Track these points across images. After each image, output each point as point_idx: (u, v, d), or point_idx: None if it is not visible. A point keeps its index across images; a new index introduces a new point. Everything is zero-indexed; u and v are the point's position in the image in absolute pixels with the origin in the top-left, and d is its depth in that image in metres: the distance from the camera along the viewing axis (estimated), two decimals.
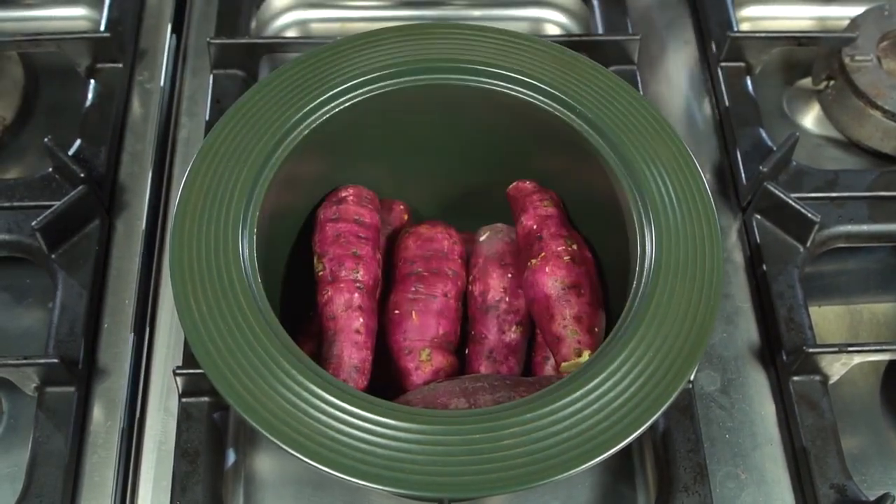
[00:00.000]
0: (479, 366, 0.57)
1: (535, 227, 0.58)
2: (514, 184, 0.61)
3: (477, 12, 0.84)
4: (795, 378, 0.61)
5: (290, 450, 0.45)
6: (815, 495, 0.57)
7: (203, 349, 0.47)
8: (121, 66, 0.74)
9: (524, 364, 0.59)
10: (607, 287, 0.58)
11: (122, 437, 0.59)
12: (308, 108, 0.55)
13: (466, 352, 0.58)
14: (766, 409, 0.62)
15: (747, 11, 0.84)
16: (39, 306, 0.67)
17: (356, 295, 0.55)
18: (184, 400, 0.59)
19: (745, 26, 0.83)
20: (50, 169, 0.67)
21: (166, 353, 0.63)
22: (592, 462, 0.45)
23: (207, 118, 0.71)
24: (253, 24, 0.80)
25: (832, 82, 0.77)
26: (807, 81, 0.80)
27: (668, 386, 0.47)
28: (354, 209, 0.58)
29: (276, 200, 0.54)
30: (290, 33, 0.84)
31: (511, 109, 0.57)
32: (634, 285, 0.51)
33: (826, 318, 0.69)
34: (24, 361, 0.58)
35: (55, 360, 0.57)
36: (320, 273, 0.56)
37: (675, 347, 0.48)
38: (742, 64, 0.76)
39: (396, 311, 0.57)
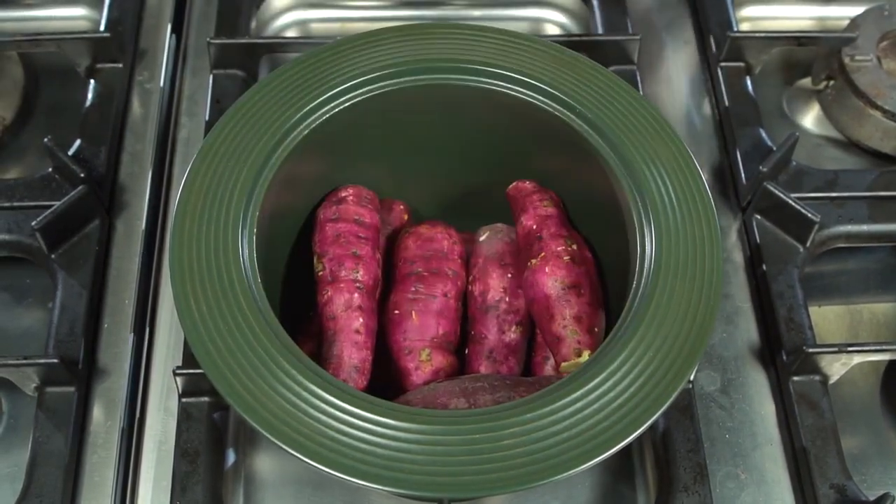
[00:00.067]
0: (479, 366, 0.57)
1: (534, 227, 0.58)
2: (514, 184, 0.61)
3: (477, 12, 0.84)
4: (795, 378, 0.61)
5: (290, 450, 0.45)
6: (815, 495, 0.57)
7: (203, 349, 0.47)
8: (121, 66, 0.74)
9: (524, 364, 0.59)
10: (607, 287, 0.58)
11: (122, 437, 0.59)
12: (308, 108, 0.55)
13: (466, 352, 0.58)
14: (766, 409, 0.62)
15: (747, 11, 0.84)
16: (39, 306, 0.67)
17: (356, 295, 0.55)
18: (184, 400, 0.59)
19: (745, 26, 0.83)
20: (50, 169, 0.67)
21: (166, 353, 0.63)
22: (592, 462, 0.45)
23: (207, 118, 0.71)
24: (253, 24, 0.80)
25: (832, 82, 0.77)
26: (807, 81, 0.80)
27: (668, 386, 0.47)
28: (354, 209, 0.58)
29: (276, 200, 0.54)
30: (290, 33, 0.84)
31: (511, 109, 0.57)
32: (634, 285, 0.51)
33: (826, 318, 0.69)
34: (24, 361, 0.58)
35: (55, 360, 0.57)
36: (320, 273, 0.56)
37: (675, 347, 0.48)
38: (742, 64, 0.76)
39: (396, 311, 0.57)
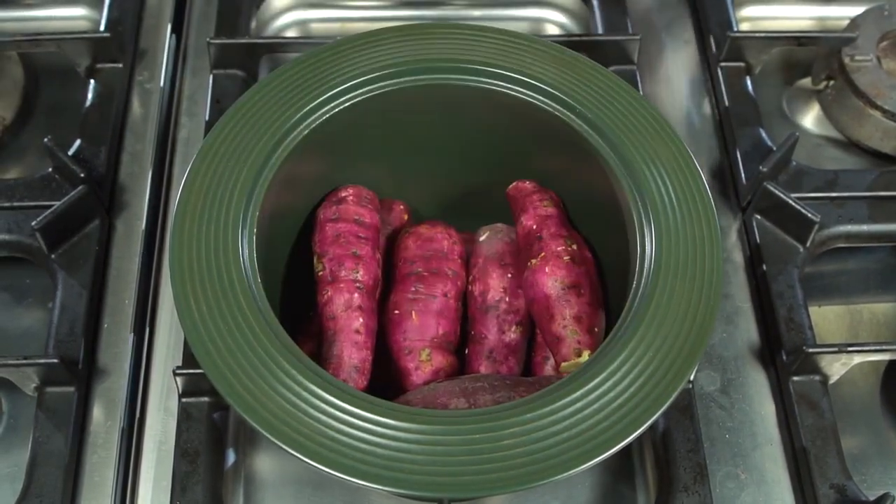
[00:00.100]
0: (479, 366, 0.57)
1: (534, 227, 0.58)
2: (514, 184, 0.61)
3: (477, 12, 0.84)
4: (795, 378, 0.61)
5: (290, 450, 0.45)
6: (815, 495, 0.57)
7: (203, 349, 0.47)
8: (121, 66, 0.74)
9: (524, 364, 0.59)
10: (607, 287, 0.58)
11: (122, 437, 0.59)
12: (308, 108, 0.55)
13: (466, 352, 0.58)
14: (766, 409, 0.62)
15: (747, 11, 0.84)
16: (39, 306, 0.67)
17: (356, 295, 0.55)
18: (184, 400, 0.59)
19: (745, 26, 0.83)
20: (50, 169, 0.67)
21: (166, 353, 0.63)
22: (592, 462, 0.45)
23: (207, 118, 0.71)
24: (253, 24, 0.80)
25: (832, 82, 0.77)
26: (807, 81, 0.80)
27: (668, 386, 0.47)
28: (354, 209, 0.58)
29: (276, 200, 0.54)
30: (290, 33, 0.84)
31: (511, 109, 0.57)
32: (634, 285, 0.51)
33: (826, 318, 0.69)
34: (24, 361, 0.58)
35: (55, 360, 0.57)
36: (320, 273, 0.56)
37: (675, 347, 0.48)
38: (742, 64, 0.76)
39: (396, 311, 0.57)
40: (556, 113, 0.56)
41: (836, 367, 0.61)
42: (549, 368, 0.58)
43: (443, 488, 0.44)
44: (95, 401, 0.60)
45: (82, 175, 0.65)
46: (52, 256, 0.64)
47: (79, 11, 0.82)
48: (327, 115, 0.56)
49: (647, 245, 0.52)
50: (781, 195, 0.66)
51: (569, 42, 0.75)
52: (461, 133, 0.61)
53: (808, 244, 0.66)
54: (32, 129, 0.75)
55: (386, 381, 0.55)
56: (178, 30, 0.78)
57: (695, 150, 0.56)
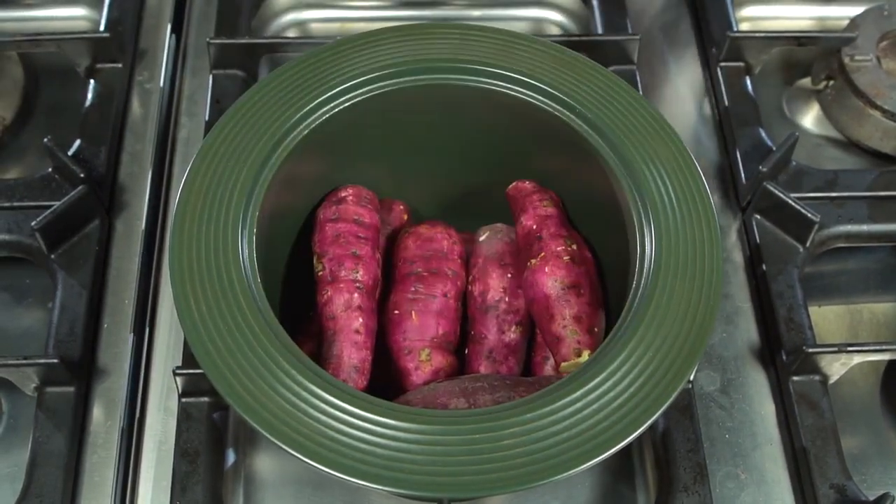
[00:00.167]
0: (479, 366, 0.57)
1: (534, 227, 0.58)
2: (514, 184, 0.61)
3: (477, 12, 0.84)
4: (795, 378, 0.61)
5: (290, 450, 0.45)
6: (814, 495, 0.57)
7: (203, 349, 0.47)
8: (120, 66, 0.74)
9: (524, 364, 0.59)
10: (607, 287, 0.58)
11: (122, 437, 0.59)
12: (308, 108, 0.55)
13: (466, 352, 0.58)
14: (765, 409, 0.62)
15: (747, 11, 0.84)
16: (39, 306, 0.67)
17: (356, 295, 0.55)
18: (184, 400, 0.59)
19: (744, 26, 0.83)
20: (50, 169, 0.67)
21: (166, 353, 0.63)
22: (592, 462, 0.45)
23: (207, 118, 0.71)
24: (253, 24, 0.80)
25: (832, 82, 0.77)
26: (806, 81, 0.80)
27: (667, 386, 0.47)
28: (354, 209, 0.58)
29: (276, 200, 0.54)
30: (290, 33, 0.84)
31: (511, 109, 0.57)
32: (634, 285, 0.51)
33: (826, 318, 0.69)
34: (24, 361, 0.58)
35: (55, 360, 0.57)
36: (320, 273, 0.56)
37: (674, 347, 0.48)
38: (742, 64, 0.76)
39: (396, 311, 0.57)
40: (556, 113, 0.56)
41: (836, 367, 0.61)
42: (549, 368, 0.58)
43: (443, 488, 0.44)
44: (95, 401, 0.60)
45: (82, 175, 0.65)
46: (52, 256, 0.64)
47: (79, 11, 0.82)
48: (327, 115, 0.56)
49: (647, 245, 0.52)
50: (781, 195, 0.66)
51: (569, 42, 0.75)
52: (461, 133, 0.61)
53: (807, 244, 0.66)
54: (32, 129, 0.75)
55: (386, 381, 0.55)
56: (177, 30, 0.78)
57: (695, 150, 0.56)
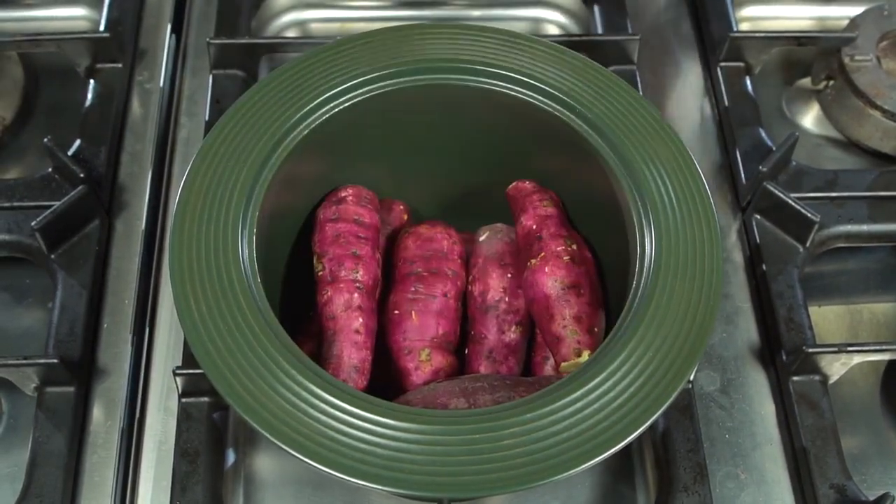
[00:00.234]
0: (479, 366, 0.57)
1: (534, 227, 0.58)
2: (514, 184, 0.61)
3: (477, 12, 0.84)
4: (795, 378, 0.61)
5: (290, 450, 0.45)
6: (814, 495, 0.57)
7: (203, 349, 0.47)
8: (120, 66, 0.74)
9: (524, 364, 0.59)
10: (607, 287, 0.58)
11: (122, 437, 0.59)
12: (308, 108, 0.55)
13: (466, 352, 0.58)
14: (765, 409, 0.62)
15: (747, 11, 0.84)
16: (39, 306, 0.67)
17: (356, 295, 0.55)
18: (184, 400, 0.59)
19: (744, 26, 0.83)
20: (50, 169, 0.67)
21: (166, 353, 0.63)
22: (592, 462, 0.45)
23: (207, 118, 0.71)
24: (253, 24, 0.80)
25: (832, 82, 0.77)
26: (806, 81, 0.80)
27: (667, 386, 0.47)
28: (354, 209, 0.58)
29: (276, 200, 0.54)
30: (290, 33, 0.84)
31: (511, 109, 0.57)
32: (634, 285, 0.51)
33: (826, 318, 0.69)
34: (24, 361, 0.58)
35: (55, 360, 0.57)
36: (320, 273, 0.56)
37: (674, 347, 0.48)
38: (742, 64, 0.76)
39: (396, 311, 0.57)
40: (556, 113, 0.56)
41: (836, 367, 0.61)
42: (549, 368, 0.58)
43: (443, 488, 0.44)
44: (95, 401, 0.60)
45: (82, 175, 0.65)
46: (52, 256, 0.64)
47: (79, 11, 0.82)
48: (327, 115, 0.56)
49: (647, 245, 0.52)
50: (781, 195, 0.66)
51: (569, 42, 0.75)
52: (461, 133, 0.61)
53: (807, 244, 0.66)
54: (32, 129, 0.75)
55: (386, 381, 0.55)
56: (178, 30, 0.78)
57: (695, 150, 0.56)
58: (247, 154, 0.53)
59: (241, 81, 0.73)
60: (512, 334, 0.58)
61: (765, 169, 0.67)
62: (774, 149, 0.69)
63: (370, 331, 0.55)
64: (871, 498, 0.57)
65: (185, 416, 0.58)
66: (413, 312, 0.56)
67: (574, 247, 0.57)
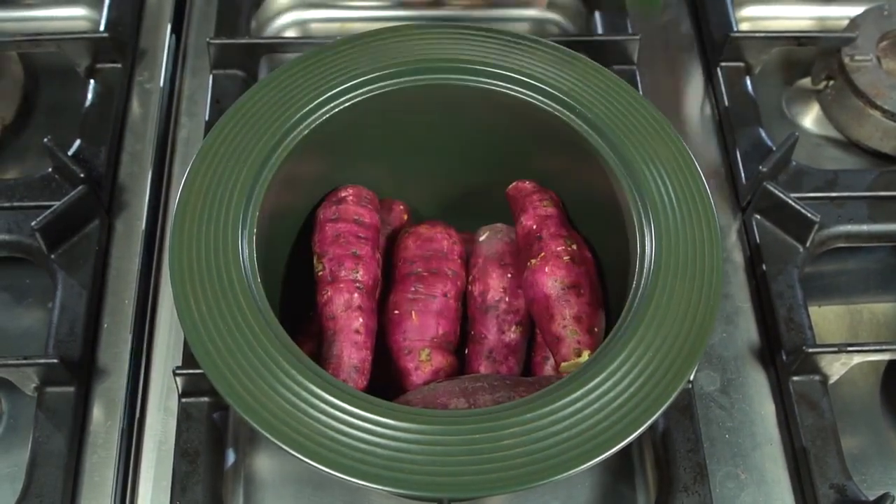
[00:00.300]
0: (479, 366, 0.57)
1: (534, 227, 0.58)
2: (514, 184, 0.61)
3: (477, 12, 0.83)
4: (795, 378, 0.61)
5: (290, 450, 0.45)
6: (814, 495, 0.57)
7: (203, 349, 0.47)
8: (120, 66, 0.74)
9: (524, 364, 0.59)
10: (607, 287, 0.58)
11: (122, 437, 0.59)
12: (308, 108, 0.55)
13: (466, 352, 0.58)
14: (765, 409, 0.62)
15: (747, 11, 0.84)
16: (39, 306, 0.67)
17: (356, 295, 0.55)
18: (184, 400, 0.59)
19: (744, 26, 0.83)
20: (50, 169, 0.67)
21: (166, 353, 0.63)
22: (592, 462, 0.45)
23: (207, 118, 0.71)
24: (253, 24, 0.80)
25: (832, 82, 0.77)
26: (806, 81, 0.80)
27: (667, 386, 0.47)
28: (354, 209, 0.58)
29: (276, 200, 0.54)
30: (290, 33, 0.84)
31: (511, 109, 0.57)
32: (634, 285, 0.51)
33: (826, 318, 0.69)
34: (24, 361, 0.58)
35: (55, 360, 0.57)
36: (320, 273, 0.56)
37: (674, 347, 0.48)
38: (742, 64, 0.76)
39: (396, 311, 0.57)
40: (556, 113, 0.56)
41: (836, 367, 0.61)
42: (549, 368, 0.58)
43: (443, 488, 0.44)
44: (95, 401, 0.60)
45: (82, 175, 0.65)
46: (52, 256, 0.64)
47: (79, 11, 0.82)
48: (327, 115, 0.56)
49: (647, 245, 0.52)
50: (781, 195, 0.66)
51: (569, 42, 0.75)
52: (461, 133, 0.61)
53: (808, 244, 0.66)
54: (32, 129, 0.75)
55: (386, 381, 0.55)
56: (177, 30, 0.78)
57: (695, 150, 0.55)
58: (247, 154, 0.53)
59: (241, 81, 0.73)
60: (512, 334, 0.58)
61: (765, 169, 0.67)
62: (774, 149, 0.69)
63: (370, 331, 0.55)
64: (871, 498, 0.57)
65: (185, 416, 0.58)
66: (413, 312, 0.56)
67: (574, 247, 0.57)
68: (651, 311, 0.49)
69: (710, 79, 0.77)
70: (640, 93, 0.72)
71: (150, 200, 0.69)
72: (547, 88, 0.56)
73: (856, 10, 0.78)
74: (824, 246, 0.68)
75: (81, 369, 0.60)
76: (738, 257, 0.68)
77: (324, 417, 0.45)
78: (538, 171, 0.61)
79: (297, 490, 0.60)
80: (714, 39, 0.77)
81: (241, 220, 0.51)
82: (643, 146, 0.54)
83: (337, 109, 0.56)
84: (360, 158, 0.60)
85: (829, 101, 0.77)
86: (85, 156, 0.68)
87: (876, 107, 0.73)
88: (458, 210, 0.65)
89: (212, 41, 0.73)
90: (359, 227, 0.57)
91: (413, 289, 0.57)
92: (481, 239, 0.61)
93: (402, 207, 0.63)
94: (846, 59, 0.75)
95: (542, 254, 0.56)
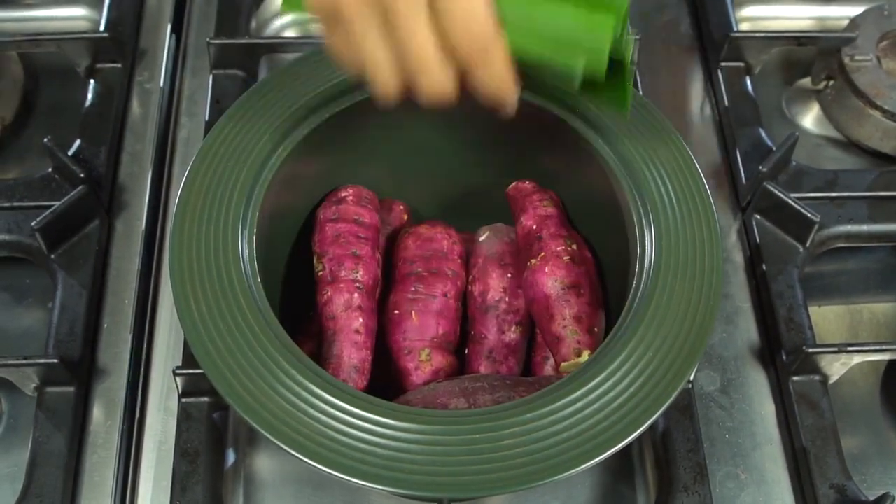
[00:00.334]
0: (479, 366, 0.57)
1: (534, 227, 0.58)
2: (514, 184, 0.61)
3: None
4: (795, 378, 0.61)
5: (290, 450, 0.45)
6: (814, 495, 0.57)
7: (203, 349, 0.47)
8: (120, 66, 0.74)
9: (524, 364, 0.59)
10: (607, 287, 0.58)
11: (122, 437, 0.59)
12: (308, 108, 0.55)
13: (466, 352, 0.58)
14: (765, 409, 0.62)
15: (747, 11, 0.84)
16: (39, 306, 0.67)
17: (356, 295, 0.55)
18: (184, 400, 0.59)
19: (744, 26, 0.83)
20: (50, 169, 0.67)
21: (166, 353, 0.63)
22: (592, 462, 0.45)
23: (207, 118, 0.71)
24: (253, 24, 0.80)
25: (832, 82, 0.77)
26: (806, 81, 0.80)
27: (667, 386, 0.47)
28: (354, 209, 0.58)
29: (276, 200, 0.54)
30: (290, 33, 0.83)
31: None
32: (634, 285, 0.51)
33: (826, 318, 0.69)
34: (24, 361, 0.58)
35: (55, 360, 0.57)
36: (320, 273, 0.56)
37: (674, 347, 0.48)
38: (742, 64, 0.76)
39: (396, 311, 0.57)
40: (556, 113, 0.56)
41: (836, 367, 0.61)
42: (549, 368, 0.58)
43: (443, 488, 0.44)
44: (95, 401, 0.60)
45: (82, 175, 0.65)
46: (52, 256, 0.64)
47: (79, 11, 0.82)
48: (327, 115, 0.56)
49: (647, 245, 0.52)
50: (781, 195, 0.66)
51: None
52: (461, 133, 0.61)
53: (807, 244, 0.66)
54: (32, 129, 0.75)
55: (386, 381, 0.55)
56: (178, 30, 0.78)
57: (695, 150, 0.55)
58: (247, 154, 0.53)
59: (241, 81, 0.73)
60: (512, 334, 0.58)
61: (765, 169, 0.67)
62: (774, 149, 0.69)
63: (370, 331, 0.55)
64: (871, 498, 0.57)
65: (185, 416, 0.58)
66: (413, 312, 0.56)
67: (574, 247, 0.57)
68: (651, 311, 0.49)
69: (710, 79, 0.77)
70: (640, 93, 0.72)
71: (150, 200, 0.69)
72: (547, 88, 0.56)
73: (856, 10, 0.78)
74: (824, 246, 0.68)
75: (81, 369, 0.60)
76: (738, 257, 0.68)
77: (324, 417, 0.45)
78: (538, 171, 0.61)
79: (297, 490, 0.60)
80: (714, 39, 0.77)
81: (241, 220, 0.51)
82: (643, 146, 0.54)
83: (337, 109, 0.56)
84: (360, 158, 0.60)
85: (829, 101, 0.77)
86: (85, 156, 0.68)
87: (876, 107, 0.73)
88: (458, 210, 0.64)
89: (212, 41, 0.73)
90: (359, 227, 0.57)
91: (413, 289, 0.57)
92: (481, 239, 0.61)
93: (402, 207, 0.63)
94: (846, 59, 0.75)
95: (542, 254, 0.56)
